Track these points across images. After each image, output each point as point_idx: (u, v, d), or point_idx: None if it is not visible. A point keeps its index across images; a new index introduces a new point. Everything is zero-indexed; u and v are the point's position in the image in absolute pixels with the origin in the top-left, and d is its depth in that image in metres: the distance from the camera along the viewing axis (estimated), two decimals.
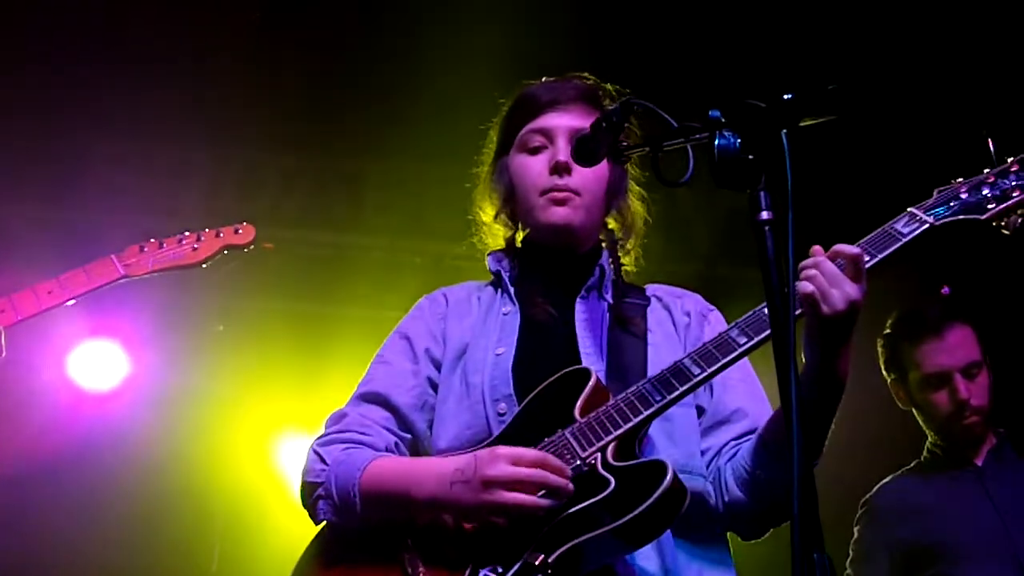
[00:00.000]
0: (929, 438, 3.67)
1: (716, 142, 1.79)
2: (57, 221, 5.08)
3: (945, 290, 3.87)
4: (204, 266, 3.82)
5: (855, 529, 3.69)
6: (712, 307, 2.58)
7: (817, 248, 2.14)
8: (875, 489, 3.71)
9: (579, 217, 2.48)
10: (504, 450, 2.09)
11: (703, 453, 2.34)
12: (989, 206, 2.22)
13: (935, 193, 2.27)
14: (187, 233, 3.81)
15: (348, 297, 5.55)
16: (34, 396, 4.98)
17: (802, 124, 1.77)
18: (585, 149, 2.35)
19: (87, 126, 5.02)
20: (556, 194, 2.45)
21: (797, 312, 2.05)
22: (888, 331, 3.72)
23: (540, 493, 2.03)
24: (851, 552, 3.67)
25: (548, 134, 2.52)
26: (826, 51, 4.46)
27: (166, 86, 4.79)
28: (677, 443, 2.28)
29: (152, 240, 3.73)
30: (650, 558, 2.14)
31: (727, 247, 5.55)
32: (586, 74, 2.64)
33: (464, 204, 2.76)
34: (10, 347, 3.41)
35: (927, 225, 2.21)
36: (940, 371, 3.51)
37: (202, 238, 3.81)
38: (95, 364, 5.33)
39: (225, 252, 3.83)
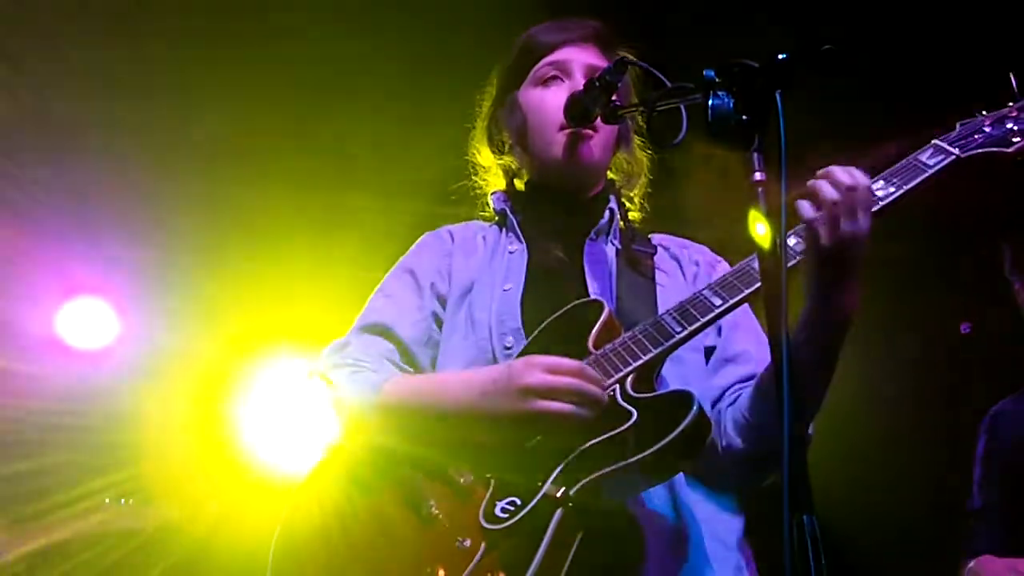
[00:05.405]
0: None
1: (710, 102, 1.76)
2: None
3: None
4: None
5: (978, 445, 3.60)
6: (720, 258, 2.54)
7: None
8: (992, 411, 3.62)
9: (597, 155, 2.44)
10: (539, 359, 1.99)
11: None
12: (1015, 140, 2.19)
13: (957, 126, 2.24)
14: None
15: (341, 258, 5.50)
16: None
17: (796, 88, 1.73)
18: (578, 108, 2.36)
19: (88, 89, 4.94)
20: (578, 130, 2.38)
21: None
22: (1013, 231, 3.68)
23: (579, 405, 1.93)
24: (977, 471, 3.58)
25: (564, 68, 2.46)
26: None
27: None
28: (690, 385, 2.19)
29: None
30: (661, 495, 2.09)
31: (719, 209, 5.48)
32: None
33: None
34: None
35: (953, 157, 2.17)
36: None
37: None
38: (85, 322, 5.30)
39: None
